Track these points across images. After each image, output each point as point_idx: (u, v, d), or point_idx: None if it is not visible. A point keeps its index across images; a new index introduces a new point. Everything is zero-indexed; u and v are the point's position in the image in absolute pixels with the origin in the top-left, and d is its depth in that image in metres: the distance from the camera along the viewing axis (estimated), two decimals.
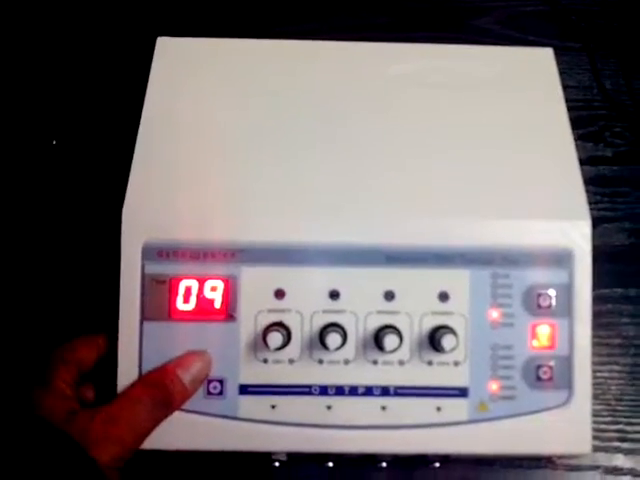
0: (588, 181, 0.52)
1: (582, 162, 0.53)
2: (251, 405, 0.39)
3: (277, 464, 0.40)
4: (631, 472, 0.45)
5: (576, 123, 0.49)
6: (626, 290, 0.50)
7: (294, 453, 0.40)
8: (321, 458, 0.41)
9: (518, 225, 0.40)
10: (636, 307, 0.49)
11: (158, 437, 0.38)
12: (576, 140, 0.46)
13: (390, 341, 0.37)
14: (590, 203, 0.50)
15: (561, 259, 0.40)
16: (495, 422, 0.39)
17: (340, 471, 0.43)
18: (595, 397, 0.46)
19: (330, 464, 0.41)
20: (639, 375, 0.47)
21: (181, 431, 0.39)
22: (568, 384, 0.39)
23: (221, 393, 0.39)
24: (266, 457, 0.40)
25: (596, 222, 0.51)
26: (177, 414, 0.39)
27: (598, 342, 0.47)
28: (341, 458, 0.41)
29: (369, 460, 0.41)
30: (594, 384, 0.46)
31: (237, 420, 0.39)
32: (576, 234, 0.40)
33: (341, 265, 0.39)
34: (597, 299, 0.48)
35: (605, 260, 0.50)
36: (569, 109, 0.45)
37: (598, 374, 0.47)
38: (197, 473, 0.45)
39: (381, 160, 0.42)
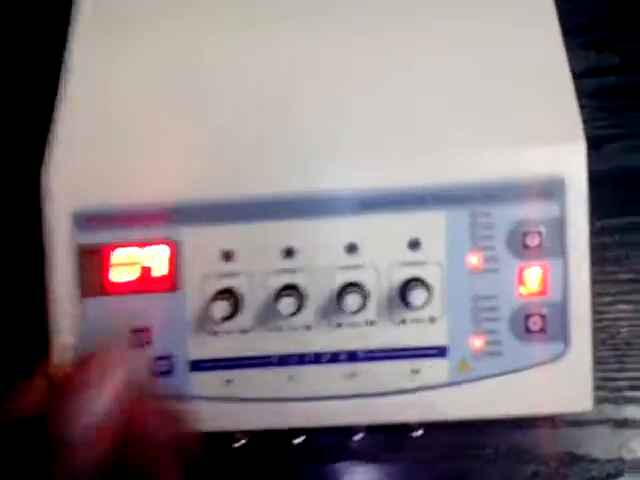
0: (591, 95, 0.45)
1: (584, 74, 0.46)
2: (204, 382, 0.35)
3: (239, 444, 0.36)
4: None
5: (575, 30, 0.42)
6: (637, 218, 0.44)
7: (256, 431, 0.36)
8: (289, 434, 0.37)
9: (498, 154, 0.34)
10: None
11: None
12: (576, 49, 0.39)
13: (353, 300, 0.32)
14: (594, 120, 0.44)
15: (551, 190, 0.34)
16: (480, 382, 0.34)
17: (311, 447, 0.39)
18: (602, 342, 0.41)
19: (298, 440, 0.37)
20: None
21: None
22: (563, 335, 0.34)
23: (170, 371, 0.35)
24: (228, 437, 0.37)
25: (601, 141, 0.45)
26: None
27: (604, 279, 0.42)
28: (311, 433, 0.37)
29: (343, 433, 0.37)
30: (600, 328, 0.41)
31: (190, 399, 0.35)
32: (567, 159, 0.34)
33: (294, 217, 0.34)
34: (603, 230, 0.43)
35: (612, 185, 0.43)
36: (566, 14, 0.38)
37: (605, 316, 0.41)
38: None
39: (336, 90, 0.36)
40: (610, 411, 0.40)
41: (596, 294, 0.41)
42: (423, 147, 0.34)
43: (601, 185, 0.41)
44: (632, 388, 0.40)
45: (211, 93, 0.36)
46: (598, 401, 0.40)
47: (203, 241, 0.34)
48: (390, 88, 0.36)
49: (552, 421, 0.39)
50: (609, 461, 0.40)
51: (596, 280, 0.41)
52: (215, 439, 0.37)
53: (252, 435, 0.36)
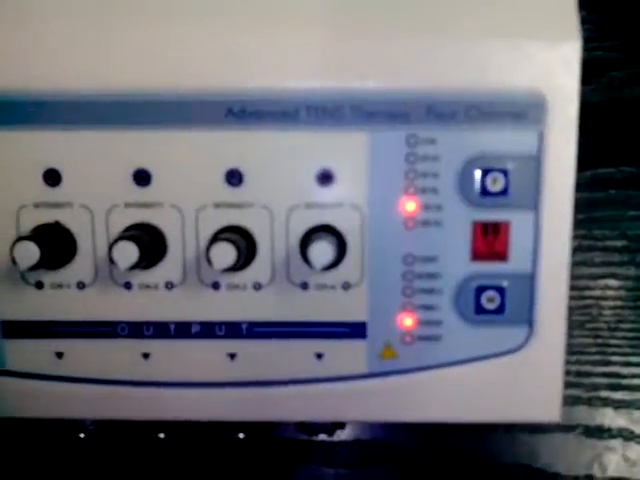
0: (592, 5, 0.35)
1: None
2: (24, 352, 0.25)
3: (83, 435, 0.27)
4: (621, 434, 0.31)
5: None
6: (638, 170, 0.34)
7: (101, 421, 0.26)
8: (150, 427, 0.27)
9: (453, 53, 0.23)
10: None
11: None
12: None
13: (225, 252, 0.22)
14: (591, 40, 0.34)
15: (525, 111, 0.23)
16: (409, 375, 0.25)
17: (177, 444, 0.30)
18: (580, 326, 0.32)
19: (161, 435, 0.28)
20: None
21: None
22: (528, 317, 0.25)
23: None
24: (72, 425, 0.27)
25: (601, 67, 0.35)
26: None
27: (590, 246, 0.32)
28: (176, 427, 0.28)
29: (221, 429, 0.27)
30: (580, 307, 0.32)
31: (4, 376, 0.25)
32: (553, 67, 0.23)
33: (151, 127, 0.23)
34: (593, 182, 0.33)
35: (609, 124, 0.33)
36: None
37: (587, 293, 0.32)
38: None
39: None
40: (582, 415, 0.31)
41: (579, 264, 0.32)
42: (338, 35, 0.23)
43: (597, 122, 0.32)
44: (611, 387, 0.31)
45: None
46: (568, 402, 0.31)
47: (18, 153, 0.24)
48: None
49: (505, 425, 0.30)
50: (576, 479, 0.31)
51: (580, 246, 0.33)
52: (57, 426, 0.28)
53: (96, 425, 0.27)
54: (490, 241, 0.24)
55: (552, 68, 0.23)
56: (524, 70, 0.23)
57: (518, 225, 0.24)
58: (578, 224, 0.33)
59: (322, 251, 0.23)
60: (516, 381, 0.25)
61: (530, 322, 0.25)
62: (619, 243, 0.33)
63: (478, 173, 0.24)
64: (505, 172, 0.24)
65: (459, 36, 0.23)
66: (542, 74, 0.23)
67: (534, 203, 0.24)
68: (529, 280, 0.25)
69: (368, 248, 0.24)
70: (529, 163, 0.24)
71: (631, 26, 0.34)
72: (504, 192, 0.24)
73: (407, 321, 0.25)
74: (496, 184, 0.24)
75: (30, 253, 0.22)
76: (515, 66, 0.23)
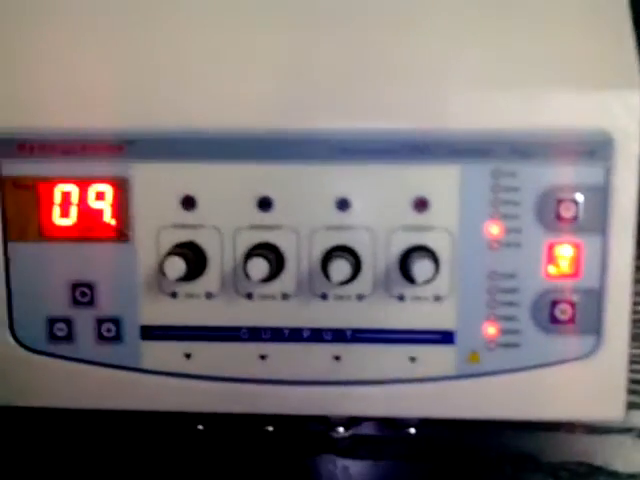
0: None
1: None
2: (158, 353, 0.29)
3: (201, 427, 0.31)
4: None
5: None
6: None
7: (221, 414, 0.30)
8: (259, 420, 0.31)
9: (532, 99, 0.27)
10: None
11: (37, 392, 0.29)
12: None
13: (340, 267, 0.26)
14: None
15: (595, 149, 0.27)
16: (491, 378, 0.28)
17: (283, 436, 0.34)
18: (636, 338, 0.35)
19: (270, 428, 0.31)
20: None
21: (67, 385, 0.29)
22: (596, 327, 0.28)
23: (117, 337, 0.29)
24: (188, 417, 0.31)
25: None
26: (60, 363, 0.29)
27: None
28: (284, 420, 0.32)
29: (322, 424, 0.31)
30: (636, 320, 0.35)
31: (140, 372, 0.29)
32: (618, 111, 0.27)
33: (273, 161, 0.28)
34: None
35: None
36: None
37: None
38: (93, 436, 0.35)
39: (325, 12, 0.29)
40: (638, 419, 0.34)
41: (637, 281, 0.36)
42: (437, 85, 0.27)
43: None
44: None
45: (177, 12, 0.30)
46: (627, 407, 0.34)
47: (160, 182, 0.28)
48: (407, 17, 0.29)
49: (568, 425, 0.34)
50: (632, 476, 0.34)
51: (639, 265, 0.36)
52: (175, 419, 0.31)
53: (215, 418, 0.31)
54: (563, 260, 0.28)
55: (616, 112, 0.27)
56: (593, 114, 0.27)
57: (588, 246, 0.28)
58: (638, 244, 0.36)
59: (421, 268, 0.26)
60: (586, 384, 0.29)
61: (598, 331, 0.28)
62: None
63: (553, 202, 0.28)
64: (576, 201, 0.28)
65: (537, 85, 0.27)
66: (608, 117, 0.27)
67: (602, 227, 0.28)
68: (597, 295, 0.28)
69: (457, 265, 0.28)
70: (597, 193, 0.27)
71: None
72: (575, 218, 0.28)
73: (490, 330, 0.28)
74: (568, 211, 0.28)
75: (178, 267, 0.26)
76: (586, 110, 0.27)
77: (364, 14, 0.29)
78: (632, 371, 0.34)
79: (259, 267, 0.26)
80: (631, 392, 0.34)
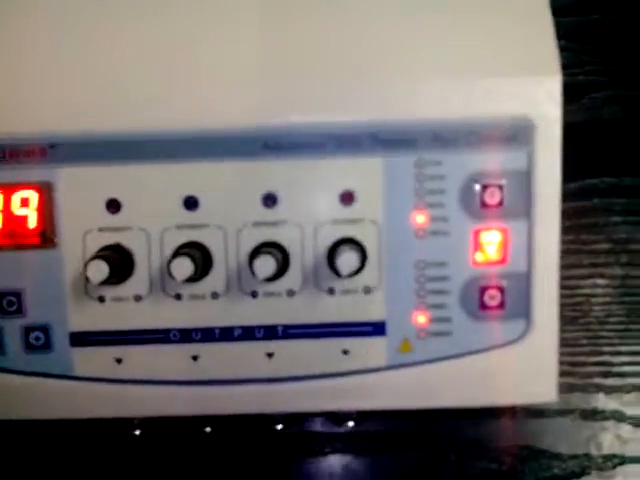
0: (572, 34, 0.39)
1: (564, 10, 0.40)
2: (89, 359, 0.29)
3: (138, 432, 0.30)
4: (614, 415, 0.34)
5: None
6: (619, 179, 0.38)
7: (154, 417, 0.30)
8: (197, 422, 0.31)
9: (453, 87, 0.27)
10: (631, 201, 0.37)
11: None
12: None
13: (263, 264, 0.26)
14: (573, 65, 0.38)
15: (516, 134, 0.27)
16: (424, 366, 0.28)
17: (223, 436, 0.33)
18: (572, 321, 0.35)
19: (208, 429, 0.31)
20: (632, 290, 0.36)
21: None
22: (525, 312, 0.28)
23: (47, 345, 0.29)
24: (124, 423, 0.31)
25: (582, 90, 0.39)
26: None
27: (578, 249, 0.36)
28: (222, 421, 0.31)
29: (261, 421, 0.31)
30: (572, 304, 0.35)
31: (71, 380, 0.29)
32: (539, 97, 0.27)
33: (198, 159, 0.27)
34: (580, 192, 0.37)
35: (593, 140, 0.37)
36: None
37: (578, 291, 0.36)
38: (33, 447, 0.34)
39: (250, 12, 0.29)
40: (578, 400, 0.34)
41: (569, 266, 0.36)
42: (359, 77, 0.27)
43: (580, 139, 0.36)
44: (604, 375, 0.34)
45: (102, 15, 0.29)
46: (565, 389, 0.34)
47: (84, 186, 0.27)
48: (331, 8, 0.29)
49: (509, 410, 0.34)
50: (573, 457, 0.34)
51: (569, 250, 0.36)
52: (107, 426, 0.31)
53: (149, 422, 0.30)
54: (490, 246, 0.28)
55: (538, 98, 0.27)
56: (514, 100, 0.27)
57: (514, 232, 0.28)
58: (567, 230, 0.37)
59: (347, 261, 0.26)
60: (518, 368, 0.29)
61: (527, 317, 0.29)
62: (604, 246, 0.37)
63: (477, 189, 0.28)
64: (500, 187, 0.28)
65: (458, 73, 0.27)
66: (529, 103, 0.27)
67: (527, 212, 0.28)
68: (525, 280, 0.28)
69: (385, 256, 0.28)
70: (521, 178, 0.28)
71: (608, 52, 0.38)
72: (500, 204, 0.28)
73: (421, 319, 0.28)
74: (493, 197, 0.28)
75: (101, 270, 0.26)
76: (507, 97, 0.27)
77: (288, 11, 0.29)
78: (570, 354, 0.35)
79: (184, 267, 0.26)
80: (569, 374, 0.35)
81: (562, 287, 0.35)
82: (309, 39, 0.28)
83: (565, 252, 0.35)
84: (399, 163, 0.27)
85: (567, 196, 0.36)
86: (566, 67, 0.37)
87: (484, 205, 0.28)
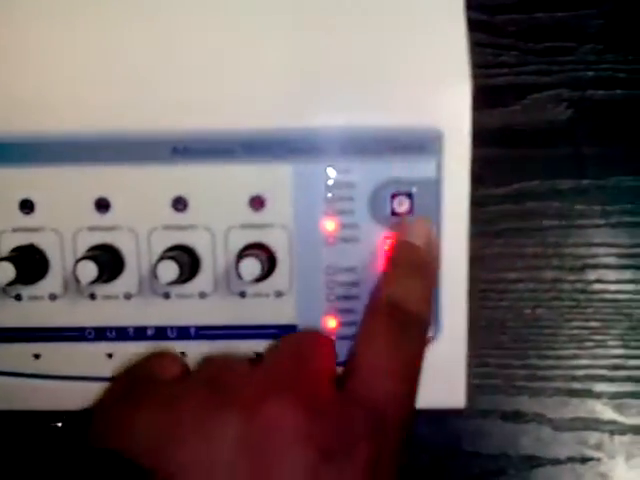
0: (513, 33, 0.38)
1: (502, 8, 0.39)
2: (8, 355, 0.29)
3: (60, 424, 0.31)
4: (535, 418, 0.35)
5: None
6: (555, 182, 0.38)
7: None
8: None
9: (362, 96, 0.28)
10: (565, 205, 0.37)
11: None
12: None
13: (166, 269, 0.27)
14: (516, 65, 0.38)
15: (425, 143, 0.28)
16: None
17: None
18: (502, 325, 0.35)
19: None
20: (560, 294, 0.36)
21: None
22: (434, 318, 0.29)
23: None
24: (46, 416, 0.31)
25: (524, 90, 0.38)
26: None
27: (512, 253, 0.36)
28: None
29: None
30: (501, 308, 0.36)
31: None
32: (448, 104, 0.28)
33: (109, 163, 0.28)
34: (517, 195, 0.37)
35: (533, 142, 0.37)
36: None
37: (507, 295, 0.36)
38: None
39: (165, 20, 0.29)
40: (500, 402, 0.35)
41: (500, 269, 0.36)
42: (268, 83, 0.28)
43: (519, 143, 0.36)
44: (528, 378, 0.35)
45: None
46: (489, 391, 0.35)
47: None
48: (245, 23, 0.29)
49: (430, 411, 0.34)
50: (492, 457, 0.35)
51: (500, 253, 0.37)
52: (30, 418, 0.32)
53: (69, 416, 0.31)
54: None
55: (446, 107, 0.28)
56: (424, 110, 0.28)
57: None
58: (500, 233, 0.37)
59: (251, 267, 0.27)
60: (427, 373, 0.29)
61: (436, 322, 0.29)
62: (538, 250, 0.37)
63: (386, 197, 0.28)
64: (409, 195, 0.28)
65: (366, 81, 0.28)
66: (438, 111, 0.28)
67: (436, 220, 0.28)
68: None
69: (295, 262, 0.28)
70: (429, 186, 0.28)
71: (552, 52, 0.37)
72: (409, 212, 0.28)
73: (331, 323, 0.29)
74: (402, 205, 0.28)
75: (7, 272, 0.26)
76: (417, 107, 0.28)
77: (200, 14, 0.29)
78: (499, 356, 0.35)
79: (90, 269, 0.27)
80: (494, 376, 0.35)
81: (492, 290, 0.36)
82: (217, 43, 0.28)
83: (496, 256, 0.36)
84: (309, 170, 0.28)
85: (502, 199, 0.37)
86: (510, 66, 0.37)
87: (393, 213, 0.28)
